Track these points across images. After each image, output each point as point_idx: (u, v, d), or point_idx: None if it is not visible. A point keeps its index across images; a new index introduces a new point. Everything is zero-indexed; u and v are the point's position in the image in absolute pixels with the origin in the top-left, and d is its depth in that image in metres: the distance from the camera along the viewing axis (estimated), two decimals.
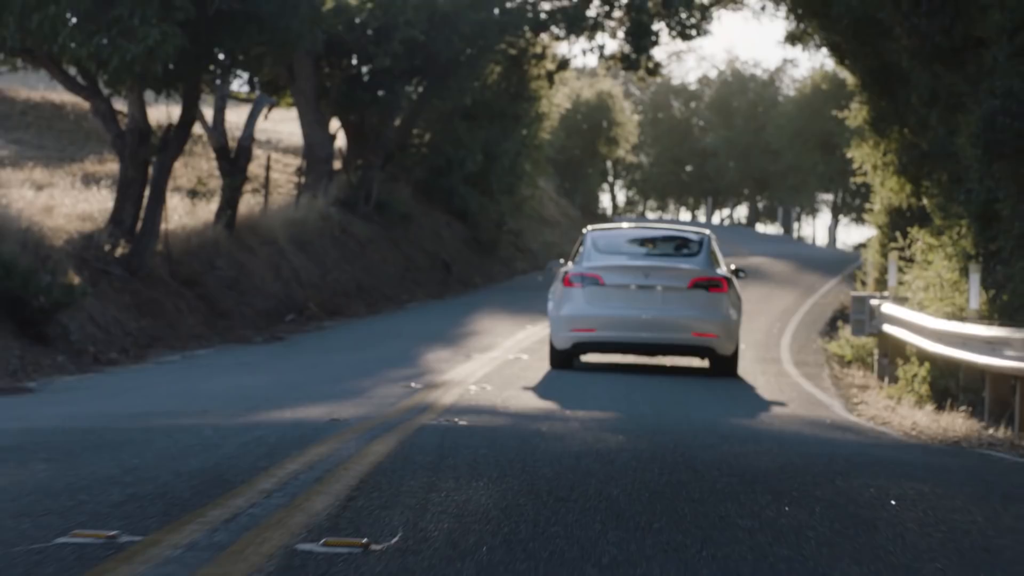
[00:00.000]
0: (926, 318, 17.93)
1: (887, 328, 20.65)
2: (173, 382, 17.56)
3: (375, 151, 39.43)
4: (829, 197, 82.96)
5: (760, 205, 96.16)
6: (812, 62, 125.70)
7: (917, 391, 17.60)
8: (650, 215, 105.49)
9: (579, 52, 44.37)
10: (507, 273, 43.49)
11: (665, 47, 45.74)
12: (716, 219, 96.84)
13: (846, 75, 33.84)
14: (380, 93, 37.91)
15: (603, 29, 44.79)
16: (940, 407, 16.27)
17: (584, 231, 21.87)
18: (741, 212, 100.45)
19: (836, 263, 48.43)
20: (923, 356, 18.37)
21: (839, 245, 75.62)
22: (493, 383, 16.83)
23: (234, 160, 30.50)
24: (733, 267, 20.54)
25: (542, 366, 19.91)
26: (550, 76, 46.29)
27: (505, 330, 26.18)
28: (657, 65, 44.05)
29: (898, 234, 25.29)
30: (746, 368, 20.61)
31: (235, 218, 30.66)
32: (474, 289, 38.72)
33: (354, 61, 37.99)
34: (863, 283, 33.23)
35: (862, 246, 70.76)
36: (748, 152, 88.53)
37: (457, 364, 19.87)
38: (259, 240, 32.11)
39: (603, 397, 15.98)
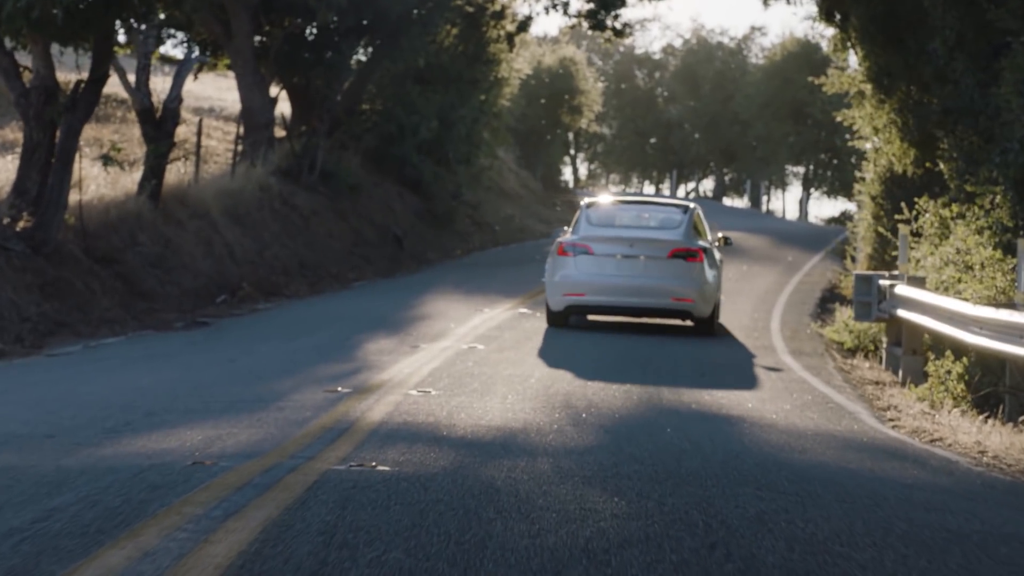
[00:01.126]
0: (960, 303, 14.98)
1: (903, 313, 17.73)
2: (52, 382, 14.42)
3: (320, 117, 36.30)
4: (800, 170, 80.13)
5: (727, 178, 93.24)
6: (784, 27, 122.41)
7: (952, 392, 14.63)
8: (613, 188, 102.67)
9: (541, 11, 40.52)
10: (464, 248, 40.43)
11: (633, 8, 42.64)
12: (681, 192, 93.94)
13: (832, 31, 30.82)
14: (326, 54, 34.74)
15: None
16: (986, 413, 13.35)
17: (582, 203, 23.49)
18: (707, 186, 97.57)
19: (814, 238, 45.60)
20: (955, 348, 15.42)
21: (811, 219, 72.80)
22: (441, 384, 13.81)
23: (159, 124, 27.33)
24: (721, 235, 23.44)
25: (499, 358, 17.02)
26: (510, 38, 43.30)
27: (459, 314, 23.17)
28: (625, 25, 41.01)
29: (903, 205, 22.37)
30: (742, 360, 17.74)
31: (161, 188, 27.53)
32: (428, 266, 35.66)
33: (297, 18, 34.73)
34: (852, 259, 30.31)
35: (837, 220, 68.30)
36: (715, 123, 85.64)
37: (401, 357, 16.84)
38: (188, 213, 28.99)
39: (578, 402, 12.99)
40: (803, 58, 72.94)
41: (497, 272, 33.01)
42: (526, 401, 12.79)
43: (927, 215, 21.58)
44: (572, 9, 41.15)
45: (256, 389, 13.16)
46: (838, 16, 30.54)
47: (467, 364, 16.13)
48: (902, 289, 17.95)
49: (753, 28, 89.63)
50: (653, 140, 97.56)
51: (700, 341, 20.54)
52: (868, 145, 28.87)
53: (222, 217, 30.17)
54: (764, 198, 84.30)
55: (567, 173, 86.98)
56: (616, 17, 40.42)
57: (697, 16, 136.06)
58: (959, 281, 17.86)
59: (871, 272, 20.06)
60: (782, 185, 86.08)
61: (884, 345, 19.55)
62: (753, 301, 26.55)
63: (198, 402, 11.89)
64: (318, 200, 35.40)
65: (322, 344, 18.64)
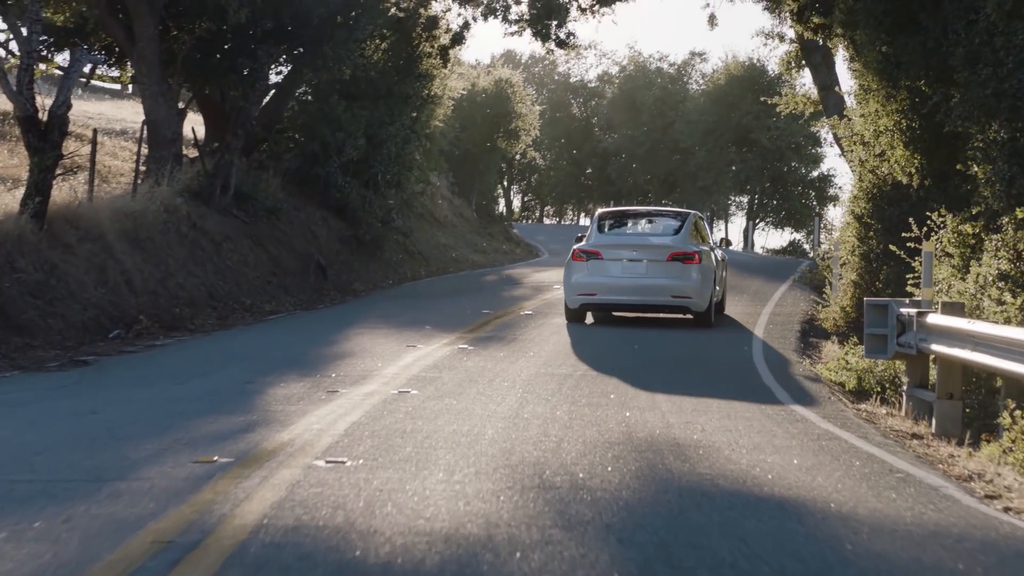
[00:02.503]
0: None
1: (939, 348, 14.29)
2: None
3: (235, 131, 32.56)
4: (744, 199, 77.05)
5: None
6: (727, 50, 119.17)
7: None
8: (547, 221, 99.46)
9: (479, 16, 37.06)
10: (395, 278, 36.80)
11: (575, 22, 39.28)
12: None
13: (785, 49, 27.54)
14: (240, 60, 31.07)
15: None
16: None
17: (596, 212, 26.36)
18: None
19: (774, 266, 42.30)
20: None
21: (757, 250, 69.62)
22: (360, 449, 10.20)
23: (45, 133, 23.60)
24: (721, 238, 27.11)
25: (439, 407, 13.46)
26: (444, 52, 39.80)
27: (388, 351, 19.57)
28: (570, 35, 37.63)
29: (911, 221, 19.00)
30: (742, 408, 14.25)
31: (46, 207, 23.77)
32: (354, 297, 31.98)
33: (207, 20, 31.01)
34: (831, 286, 26.91)
35: (786, 251, 65.08)
36: (654, 152, 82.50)
37: (313, 406, 13.22)
38: (79, 235, 25.20)
39: (557, 476, 9.41)
40: (748, 82, 69.91)
41: (432, 304, 29.44)
42: (482, 478, 9.20)
43: (942, 232, 18.23)
44: (513, 14, 37.65)
45: (100, 457, 9.49)
46: (814, 20, 27.30)
47: (397, 417, 12.54)
48: (938, 319, 14.50)
49: (693, 54, 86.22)
50: (589, 170, 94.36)
51: (682, 375, 17.07)
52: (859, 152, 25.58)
53: (119, 241, 26.43)
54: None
55: (502, 204, 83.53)
56: (560, 26, 37.03)
57: (634, 43, 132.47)
58: (1000, 304, 14.53)
59: (884, 299, 16.60)
60: (725, 216, 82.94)
61: (904, 387, 16.07)
62: (728, 334, 23.13)
63: (1, 480, 8.19)
64: (232, 224, 31.70)
65: (217, 389, 14.98)
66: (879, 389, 17.88)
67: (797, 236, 70.63)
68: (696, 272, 23.96)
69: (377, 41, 38.57)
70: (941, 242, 17.92)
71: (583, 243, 24.90)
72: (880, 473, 10.36)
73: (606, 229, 25.49)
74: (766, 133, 68.77)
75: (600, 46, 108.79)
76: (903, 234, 19.04)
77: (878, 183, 24.40)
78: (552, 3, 37.64)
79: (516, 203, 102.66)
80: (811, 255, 56.56)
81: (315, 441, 10.55)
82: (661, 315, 25.74)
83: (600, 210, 26.83)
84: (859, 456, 11.23)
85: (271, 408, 13.07)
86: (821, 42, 47.24)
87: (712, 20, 52.66)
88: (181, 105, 31.93)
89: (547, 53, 39.21)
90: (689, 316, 24.67)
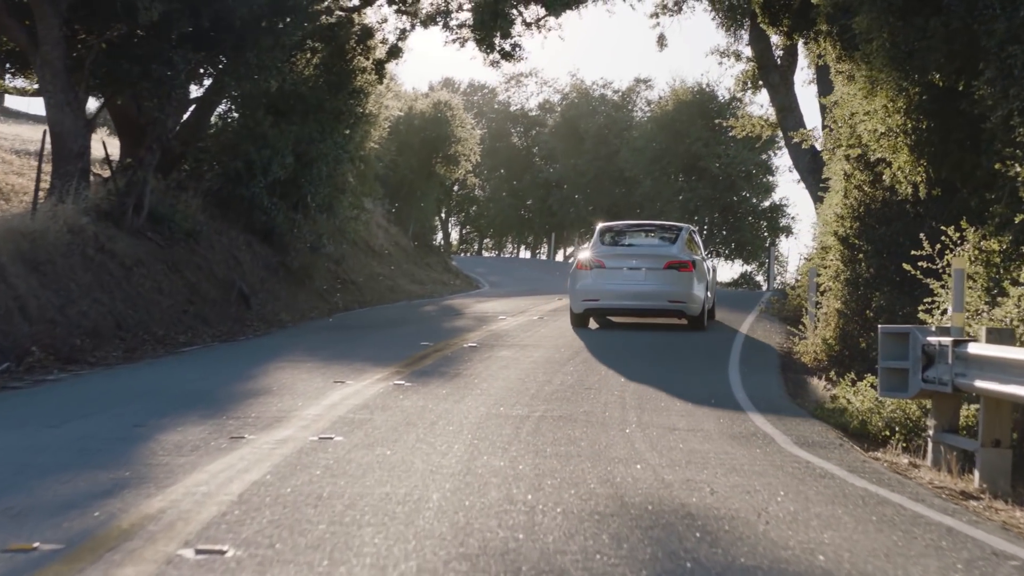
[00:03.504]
0: None
1: (987, 385, 11.59)
2: None
3: (150, 147, 29.60)
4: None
5: None
6: (674, 75, 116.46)
7: None
8: (487, 254, 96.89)
9: (419, 25, 34.30)
10: (325, 309, 33.84)
11: (520, 38, 36.64)
12: (559, 257, 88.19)
13: (741, 68, 25.09)
14: (154, 66, 28.12)
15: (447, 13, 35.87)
16: None
17: (597, 227, 28.26)
18: None
19: (735, 297, 39.58)
20: None
21: None
22: (250, 529, 7.37)
23: None
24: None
25: (368, 459, 10.68)
26: (379, 66, 37.02)
27: (312, 388, 16.73)
28: (515, 46, 34.94)
29: (922, 237, 16.36)
30: (745, 459, 11.50)
31: None
32: (280, 329, 29.03)
33: (117, 22, 28.02)
34: (806, 311, 24.24)
35: (737, 283, 62.57)
36: (597, 181, 79.87)
37: (206, 458, 10.36)
38: None
39: (526, 555, 6.61)
40: (698, 107, 67.44)
41: (365, 336, 26.58)
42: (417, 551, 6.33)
43: (958, 249, 15.58)
44: (454, 20, 34.95)
45: None
46: (786, 23, 24.70)
47: (312, 474, 9.70)
48: (983, 349, 11.79)
49: (638, 80, 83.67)
50: (530, 201, 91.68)
51: (657, 416, 14.30)
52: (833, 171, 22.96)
53: (14, 264, 23.46)
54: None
55: (440, 236, 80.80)
56: (505, 36, 34.34)
57: (576, 70, 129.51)
58: None
59: (906, 326, 13.91)
60: None
61: (930, 431, 13.36)
62: (700, 369, 20.37)
63: None
64: (145, 248, 28.70)
65: (96, 434, 12.08)
66: (887, 433, 15.20)
67: (748, 268, 68.20)
68: (691, 279, 25.95)
69: (308, 55, 35.75)
70: (976, 257, 15.27)
71: (586, 253, 26.95)
72: (985, 560, 7.57)
73: (607, 241, 27.55)
74: (716, 161, 66.30)
75: (542, 73, 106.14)
76: (913, 252, 16.39)
77: (866, 200, 21.80)
78: (497, 10, 34.96)
79: (454, 235, 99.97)
80: (769, 286, 54.20)
81: (193, 513, 7.70)
82: (646, 330, 25.90)
83: (601, 224, 28.80)
84: (933, 529, 8.44)
85: (153, 461, 10.20)
86: (780, 59, 44.90)
87: (661, 41, 50.15)
88: (90, 115, 28.99)
89: (491, 66, 36.25)
90: (676, 324, 25.36)
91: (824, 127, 23.92)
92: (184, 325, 27.32)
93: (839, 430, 15.42)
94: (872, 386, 16.63)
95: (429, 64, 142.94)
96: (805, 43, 26.74)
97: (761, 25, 30.98)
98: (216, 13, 28.22)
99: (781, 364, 21.85)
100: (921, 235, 16.18)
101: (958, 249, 15.72)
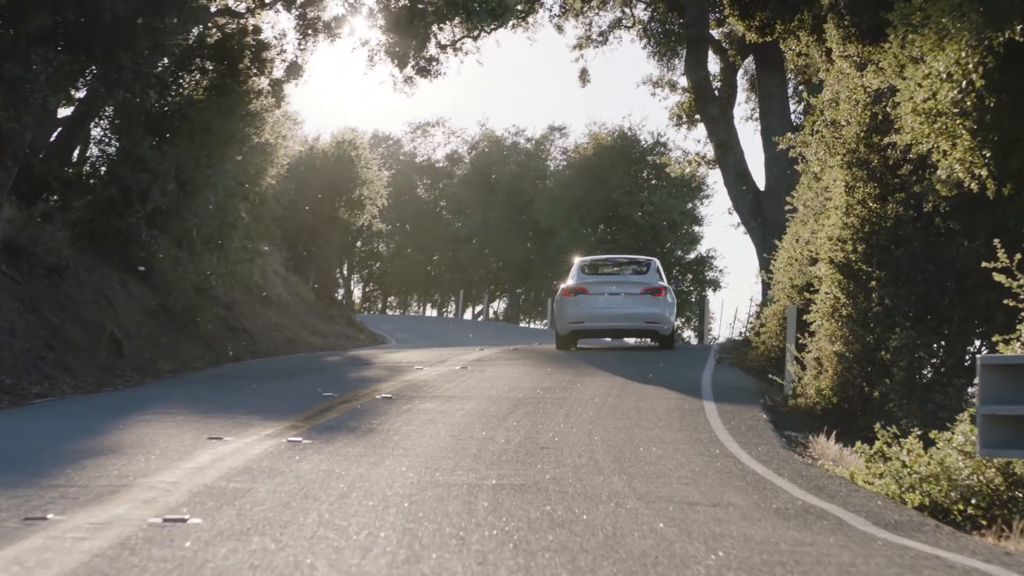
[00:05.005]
0: None
1: None
2: None
3: (4, 164, 25.08)
4: None
5: (522, 298, 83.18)
6: (592, 120, 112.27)
7: None
8: (391, 312, 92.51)
9: (321, 41, 30.14)
10: (212, 358, 29.23)
11: (436, 61, 32.55)
12: (468, 315, 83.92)
13: (677, 101, 21.37)
14: (5, 65, 23.64)
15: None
16: None
17: (575, 260, 31.84)
18: (500, 307, 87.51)
19: (680, 347, 35.42)
20: None
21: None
22: None
23: None
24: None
25: (234, 560, 6.23)
26: (277, 87, 32.69)
27: (177, 445, 12.32)
28: (432, 60, 30.76)
29: (996, 244, 12.27)
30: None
31: None
32: (157, 379, 24.45)
33: None
34: (799, 363, 20.07)
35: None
36: (510, 235, 75.70)
37: None
38: None
39: None
40: (619, 152, 63.46)
41: (255, 386, 22.16)
42: None
43: None
44: (364, 32, 30.70)
45: None
46: (759, 16, 20.66)
47: None
48: None
49: (552, 128, 79.56)
50: (436, 257, 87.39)
51: (671, 495, 10.02)
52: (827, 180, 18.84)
53: None
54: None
55: (342, 292, 76.29)
56: (421, 50, 30.19)
57: (486, 119, 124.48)
58: None
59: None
60: None
61: None
62: (676, 425, 16.13)
63: None
64: None
65: None
66: (962, 507, 11.08)
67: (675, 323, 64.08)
68: (664, 302, 29.30)
69: (197, 75, 31.38)
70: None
71: (570, 282, 29.88)
72: None
73: (587, 271, 30.58)
74: (639, 209, 62.37)
75: (449, 122, 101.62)
76: (985, 265, 12.26)
77: (872, 217, 17.72)
78: (410, 30, 30.88)
79: (357, 292, 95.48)
80: (701, 341, 50.24)
81: None
82: (600, 375, 23.28)
83: (579, 258, 31.92)
84: None
85: None
86: (718, 90, 41.15)
87: (584, 76, 46.12)
88: None
89: (405, 84, 31.85)
90: (631, 370, 24.50)
91: (813, 132, 19.84)
92: (41, 374, 22.78)
93: (894, 500, 11.26)
94: (922, 439, 12.52)
95: (329, 113, 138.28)
96: (784, 39, 22.92)
97: (730, 21, 27.04)
98: (81, 4, 23.81)
99: (771, 421, 17.61)
100: (996, 242, 12.04)
101: None
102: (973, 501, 11.19)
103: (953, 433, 11.97)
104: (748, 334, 28.08)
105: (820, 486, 11.53)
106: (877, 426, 13.16)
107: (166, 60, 29.79)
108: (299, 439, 13.23)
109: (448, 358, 27.10)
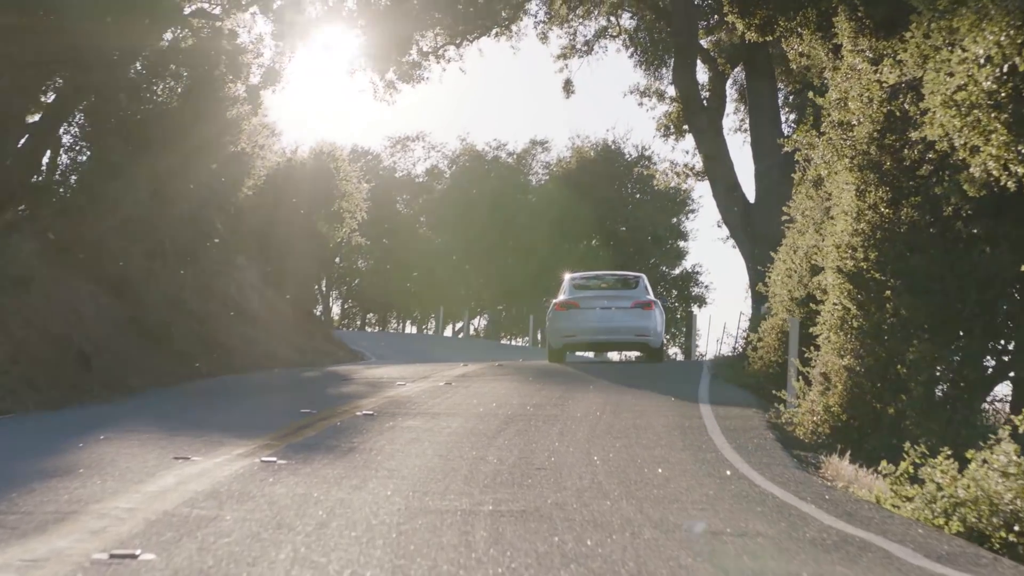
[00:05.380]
0: None
1: None
2: None
3: None
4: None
5: (503, 314, 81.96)
6: (576, 133, 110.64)
7: None
8: (369, 330, 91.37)
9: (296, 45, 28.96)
10: (185, 374, 28.01)
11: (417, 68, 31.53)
12: (449, 332, 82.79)
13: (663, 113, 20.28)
14: None
15: None
16: None
17: (565, 277, 32.45)
18: (481, 323, 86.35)
19: (663, 369, 34.33)
20: None
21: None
22: None
23: None
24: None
25: None
26: (253, 94, 31.55)
27: (139, 466, 11.21)
28: (415, 65, 29.68)
29: None
30: None
31: None
32: (128, 395, 23.21)
33: None
34: (805, 379, 18.96)
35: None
36: (490, 251, 74.50)
37: None
38: None
39: None
40: (603, 166, 62.36)
41: (231, 402, 21.04)
42: None
43: None
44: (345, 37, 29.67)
45: None
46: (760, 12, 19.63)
47: None
48: None
49: (534, 142, 78.11)
50: (416, 273, 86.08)
51: (684, 512, 8.92)
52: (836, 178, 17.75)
53: None
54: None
55: (320, 308, 75.07)
56: (403, 56, 29.10)
57: (467, 134, 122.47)
58: None
59: None
60: None
61: None
62: (680, 445, 15.03)
63: None
64: None
65: None
66: (1015, 533, 10.03)
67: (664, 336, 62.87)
68: (653, 316, 30.02)
69: (171, 81, 30.26)
70: None
71: (562, 297, 30.51)
72: None
73: (578, 287, 31.03)
74: (623, 224, 61.29)
75: (430, 137, 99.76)
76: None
77: (884, 223, 16.67)
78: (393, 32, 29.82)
79: (336, 310, 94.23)
80: (688, 357, 49.03)
81: None
82: (593, 391, 21.80)
83: (569, 275, 32.49)
84: None
85: None
86: (707, 100, 40.15)
87: (568, 87, 45.04)
88: None
89: (387, 91, 30.72)
90: (625, 382, 24.03)
91: (820, 135, 18.76)
92: (3, 389, 21.54)
93: (926, 525, 10.18)
94: (957, 458, 11.46)
95: (309, 129, 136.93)
96: (786, 38, 21.87)
97: (728, 19, 25.95)
98: (47, 1, 22.71)
99: (780, 439, 16.51)
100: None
101: None
102: (1016, 528, 10.15)
103: (992, 452, 10.91)
104: (745, 349, 26.85)
105: (849, 511, 10.44)
106: (907, 445, 12.06)
107: (139, 65, 28.85)
108: (273, 459, 12.11)
109: (431, 374, 25.96)
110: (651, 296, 30.69)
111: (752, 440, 16.12)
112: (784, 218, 26.17)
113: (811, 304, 21.01)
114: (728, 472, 12.83)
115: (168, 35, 28.73)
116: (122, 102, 26.35)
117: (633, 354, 42.21)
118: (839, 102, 18.12)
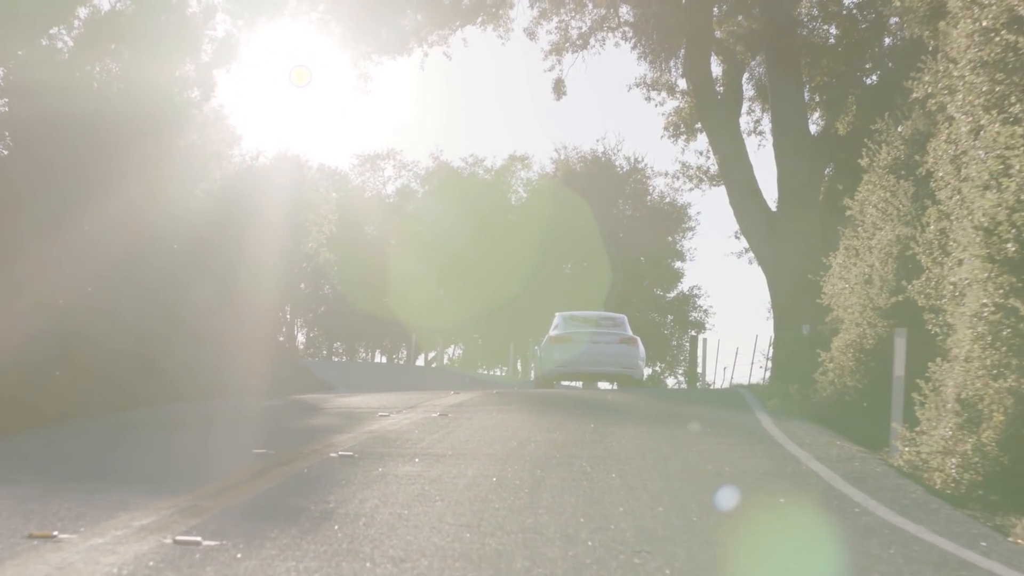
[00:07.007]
0: None
1: None
2: None
3: None
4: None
5: (480, 343, 77.16)
6: (560, 146, 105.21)
7: None
8: (335, 359, 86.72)
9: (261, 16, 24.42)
10: (117, 403, 23.06)
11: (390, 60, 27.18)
12: (421, 361, 78.21)
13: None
14: None
15: None
16: None
17: (556, 315, 34.65)
18: (456, 353, 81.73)
19: (679, 396, 29.59)
20: None
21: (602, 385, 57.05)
22: None
23: None
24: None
25: None
26: (204, 75, 27.17)
27: None
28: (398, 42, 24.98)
29: None
30: None
31: None
32: (34, 428, 18.42)
33: None
34: (921, 402, 14.16)
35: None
36: (468, 276, 69.90)
37: None
38: None
39: None
40: (592, 180, 57.73)
41: (159, 439, 16.20)
42: None
43: None
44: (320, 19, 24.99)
45: None
46: None
47: None
48: None
49: (513, 158, 73.11)
50: (386, 299, 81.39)
51: None
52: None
53: None
54: (533, 366, 67.78)
55: (283, 334, 70.15)
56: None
57: (440, 151, 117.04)
58: None
59: None
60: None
61: None
62: (810, 503, 10.27)
63: None
64: None
65: None
66: None
67: (655, 367, 58.12)
68: (637, 351, 32.62)
69: (107, 60, 25.67)
70: None
71: (555, 332, 32.84)
72: None
73: (568, 323, 33.29)
74: (613, 243, 56.69)
75: (401, 155, 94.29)
76: None
77: None
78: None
79: (301, 338, 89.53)
80: (693, 384, 44.51)
81: None
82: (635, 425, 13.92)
83: (559, 313, 34.64)
84: None
85: None
86: (721, 94, 35.62)
87: (560, 87, 40.34)
88: None
89: (362, 84, 26.08)
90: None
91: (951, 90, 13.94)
92: None
93: None
94: None
95: (271, 145, 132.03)
96: None
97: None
98: None
99: (934, 493, 11.71)
100: None
101: None
102: None
103: None
104: (775, 373, 22.15)
105: None
106: None
107: (65, 36, 24.51)
108: (196, 538, 7.24)
109: (419, 403, 21.03)
110: (631, 333, 33.72)
111: (900, 492, 11.42)
112: (848, 212, 21.72)
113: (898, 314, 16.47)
114: (916, 549, 8.06)
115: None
116: (32, 72, 21.63)
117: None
118: (977, 34, 13.42)
